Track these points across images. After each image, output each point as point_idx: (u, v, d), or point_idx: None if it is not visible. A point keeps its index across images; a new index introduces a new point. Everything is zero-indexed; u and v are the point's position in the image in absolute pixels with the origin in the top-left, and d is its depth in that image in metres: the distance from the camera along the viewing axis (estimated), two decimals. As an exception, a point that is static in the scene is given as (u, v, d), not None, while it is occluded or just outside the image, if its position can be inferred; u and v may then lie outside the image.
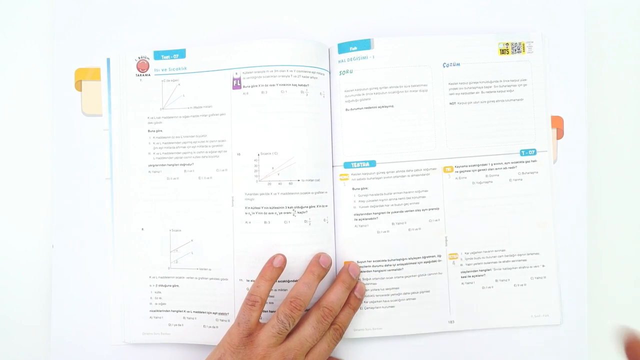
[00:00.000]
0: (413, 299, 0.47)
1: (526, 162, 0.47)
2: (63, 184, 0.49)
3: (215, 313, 0.47)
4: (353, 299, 0.45)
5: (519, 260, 0.47)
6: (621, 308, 0.50)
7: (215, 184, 0.47)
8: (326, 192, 0.46)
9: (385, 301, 0.47)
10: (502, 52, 0.47)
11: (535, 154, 0.47)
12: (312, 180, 0.46)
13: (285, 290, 0.45)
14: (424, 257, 0.47)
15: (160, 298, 0.47)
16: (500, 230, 0.47)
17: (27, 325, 0.50)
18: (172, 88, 0.48)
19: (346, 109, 0.47)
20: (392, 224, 0.47)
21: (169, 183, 0.48)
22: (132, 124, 0.48)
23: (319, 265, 0.44)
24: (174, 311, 0.47)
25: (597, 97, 0.50)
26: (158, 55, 0.48)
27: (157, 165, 0.48)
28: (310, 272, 0.43)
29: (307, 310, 0.44)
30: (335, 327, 0.44)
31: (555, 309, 0.47)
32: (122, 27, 0.49)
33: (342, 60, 0.47)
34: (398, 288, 0.47)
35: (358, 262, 0.46)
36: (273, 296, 0.45)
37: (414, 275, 0.47)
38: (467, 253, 0.47)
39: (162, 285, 0.47)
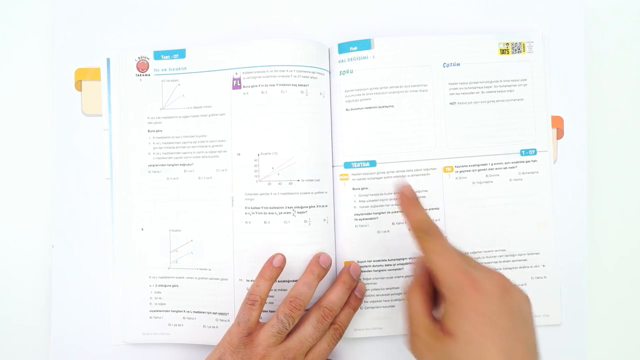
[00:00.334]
0: (413, 298, 0.47)
1: (526, 162, 0.47)
2: (63, 184, 0.49)
3: (215, 313, 0.47)
4: (353, 298, 0.45)
5: (519, 260, 0.47)
6: (621, 308, 0.50)
7: (215, 184, 0.47)
8: (326, 192, 0.46)
9: (386, 301, 0.47)
10: (503, 52, 0.47)
11: (535, 153, 0.47)
12: (312, 180, 0.46)
13: (285, 290, 0.45)
14: (424, 257, 0.47)
15: (160, 298, 0.47)
16: (501, 230, 0.47)
17: (27, 325, 0.50)
18: (172, 88, 0.48)
19: (346, 109, 0.47)
20: (393, 223, 0.47)
21: (168, 183, 0.48)
22: (132, 124, 0.48)
23: (319, 265, 0.44)
24: (173, 311, 0.47)
25: (597, 97, 0.50)
26: (158, 55, 0.48)
27: (157, 165, 0.48)
28: (310, 272, 0.43)
29: (307, 310, 0.44)
30: (336, 327, 0.44)
31: (555, 309, 0.47)
32: (122, 27, 0.49)
33: (343, 60, 0.47)
34: (398, 288, 0.47)
35: (358, 261, 0.46)
36: (273, 296, 0.45)
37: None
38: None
39: (162, 285, 0.47)
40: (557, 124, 0.48)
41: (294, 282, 0.44)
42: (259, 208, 0.46)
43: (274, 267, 0.43)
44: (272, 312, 0.44)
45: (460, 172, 0.47)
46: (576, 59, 0.48)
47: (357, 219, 0.47)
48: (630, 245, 0.50)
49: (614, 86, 0.51)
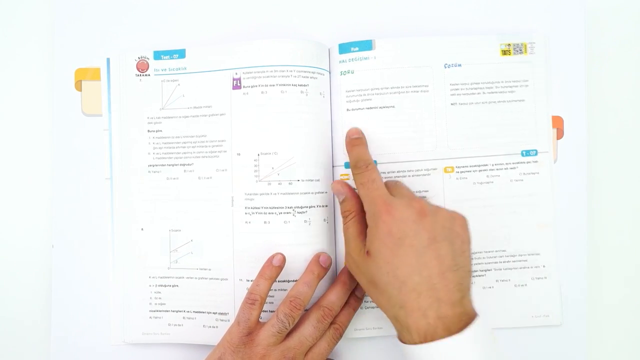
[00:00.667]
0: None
1: (527, 162, 0.47)
2: (63, 184, 0.49)
3: (215, 313, 0.47)
4: (354, 298, 0.45)
5: (520, 261, 0.47)
6: (621, 308, 0.50)
7: (215, 184, 0.47)
8: (326, 192, 0.46)
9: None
10: (504, 52, 0.47)
11: (536, 154, 0.47)
12: (311, 180, 0.46)
13: (285, 290, 0.45)
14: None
15: (160, 298, 0.47)
16: (501, 230, 0.47)
17: (27, 325, 0.50)
18: (172, 88, 0.48)
19: (347, 109, 0.47)
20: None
21: (168, 183, 0.48)
22: (132, 124, 0.48)
23: (319, 265, 0.44)
24: (173, 311, 0.47)
25: (597, 97, 0.50)
26: (158, 55, 0.48)
27: (157, 165, 0.48)
28: (310, 271, 0.43)
29: (307, 310, 0.44)
30: (336, 327, 0.44)
31: (555, 310, 0.47)
32: (122, 27, 0.49)
33: (343, 61, 0.47)
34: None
35: (358, 262, 0.46)
36: (273, 296, 0.45)
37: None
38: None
39: (161, 286, 0.47)
40: (557, 124, 0.48)
41: (294, 282, 0.44)
42: (259, 208, 0.46)
43: (274, 267, 0.43)
44: (272, 312, 0.44)
45: (461, 172, 0.47)
46: (576, 59, 0.48)
47: (357, 219, 0.47)
48: (630, 245, 0.50)
49: (614, 86, 0.51)
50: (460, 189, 0.47)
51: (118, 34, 0.49)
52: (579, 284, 0.47)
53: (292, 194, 0.45)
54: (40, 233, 0.50)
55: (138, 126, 0.48)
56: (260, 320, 0.42)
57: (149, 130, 0.48)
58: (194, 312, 0.47)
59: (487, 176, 0.47)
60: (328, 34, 0.48)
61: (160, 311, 0.47)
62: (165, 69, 0.48)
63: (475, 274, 0.47)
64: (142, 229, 0.48)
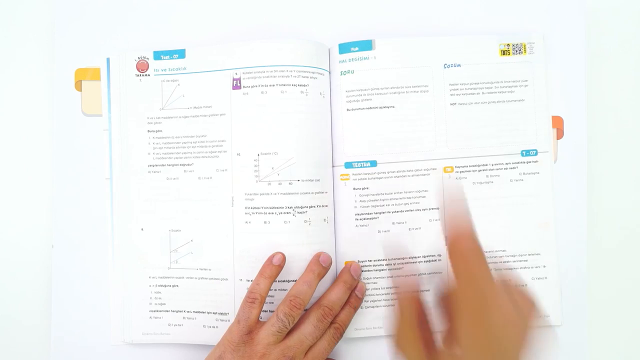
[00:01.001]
0: (413, 298, 0.47)
1: (527, 162, 0.47)
2: (63, 184, 0.49)
3: (215, 313, 0.47)
4: (354, 298, 0.45)
5: (520, 261, 0.47)
6: (621, 308, 0.50)
7: (215, 184, 0.47)
8: (326, 192, 0.46)
9: (386, 300, 0.47)
10: (503, 53, 0.47)
11: (536, 154, 0.47)
12: (312, 181, 0.46)
13: (285, 289, 0.45)
14: (424, 257, 0.47)
15: (160, 298, 0.47)
16: (501, 230, 0.47)
17: (27, 325, 0.50)
18: (172, 88, 0.48)
19: (347, 109, 0.47)
20: (393, 223, 0.47)
21: (168, 183, 0.48)
22: (132, 124, 0.48)
23: (319, 264, 0.44)
24: (173, 311, 0.47)
25: (597, 97, 0.50)
26: (158, 55, 0.48)
27: (157, 166, 0.48)
28: (310, 270, 0.43)
29: (307, 309, 0.44)
30: (336, 326, 0.44)
31: (556, 310, 0.47)
32: (122, 27, 0.49)
33: (343, 61, 0.47)
34: (399, 287, 0.47)
35: (359, 261, 0.46)
36: (273, 296, 0.45)
37: (415, 275, 0.47)
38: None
39: (161, 286, 0.47)
40: (557, 124, 0.48)
41: (294, 282, 0.44)
42: (259, 208, 0.46)
43: (274, 266, 0.43)
44: (272, 311, 0.44)
45: (461, 172, 0.47)
46: (576, 59, 0.48)
47: (357, 219, 0.47)
48: (630, 246, 0.50)
49: (614, 86, 0.51)
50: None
51: (118, 34, 0.49)
52: (579, 284, 0.47)
53: (292, 194, 0.45)
54: (40, 233, 0.50)
55: (138, 126, 0.48)
56: (260, 319, 0.42)
57: (149, 130, 0.48)
58: (194, 312, 0.47)
59: (487, 176, 0.47)
60: (328, 34, 0.49)
61: (160, 311, 0.47)
62: (165, 69, 0.48)
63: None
64: (142, 229, 0.48)
